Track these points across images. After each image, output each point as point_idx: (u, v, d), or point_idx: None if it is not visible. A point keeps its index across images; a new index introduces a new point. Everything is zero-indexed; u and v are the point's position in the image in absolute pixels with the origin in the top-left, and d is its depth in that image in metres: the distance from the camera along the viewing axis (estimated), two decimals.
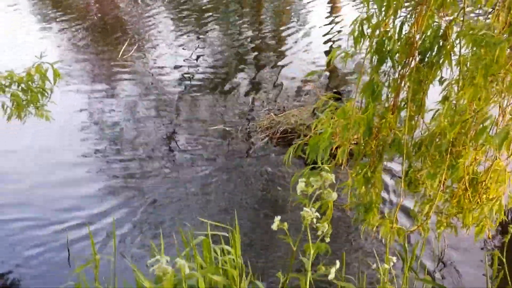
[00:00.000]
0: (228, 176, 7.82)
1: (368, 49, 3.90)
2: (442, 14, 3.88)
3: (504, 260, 4.14)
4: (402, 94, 4.01)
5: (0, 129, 7.84)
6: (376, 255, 5.38)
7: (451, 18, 3.88)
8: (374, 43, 3.89)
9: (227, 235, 4.97)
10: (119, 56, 11.99)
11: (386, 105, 4.02)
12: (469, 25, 3.79)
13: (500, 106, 3.84)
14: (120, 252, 6.30)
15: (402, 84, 3.96)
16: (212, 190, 7.53)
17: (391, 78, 3.98)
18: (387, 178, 7.20)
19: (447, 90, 3.91)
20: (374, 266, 3.98)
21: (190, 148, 8.52)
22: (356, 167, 4.07)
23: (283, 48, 12.73)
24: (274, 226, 3.30)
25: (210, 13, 15.06)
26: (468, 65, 3.81)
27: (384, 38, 3.84)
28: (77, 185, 7.67)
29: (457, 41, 3.86)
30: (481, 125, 3.73)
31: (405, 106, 3.97)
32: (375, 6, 3.89)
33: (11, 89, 5.35)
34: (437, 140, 3.92)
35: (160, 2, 16.47)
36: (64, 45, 13.05)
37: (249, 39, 13.27)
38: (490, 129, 3.77)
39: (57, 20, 14.79)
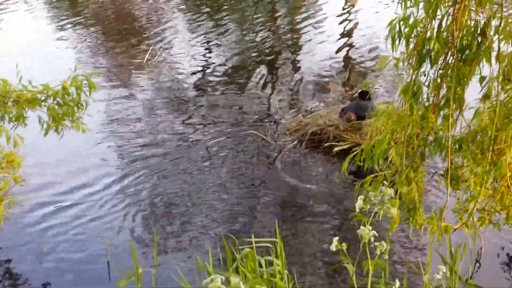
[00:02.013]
0: (260, 182, 7.83)
1: (408, 50, 3.90)
2: (480, 10, 3.86)
3: None
4: (442, 93, 4.01)
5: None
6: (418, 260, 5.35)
7: (489, 15, 3.86)
8: (413, 44, 3.89)
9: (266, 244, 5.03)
10: (144, 61, 12.02)
11: (426, 104, 4.03)
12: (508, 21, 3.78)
13: None
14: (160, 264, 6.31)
15: (442, 83, 3.96)
16: (245, 196, 7.54)
17: (431, 78, 3.98)
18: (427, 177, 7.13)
19: (487, 87, 3.90)
20: (426, 277, 3.96)
21: (221, 153, 8.52)
22: (398, 167, 4.07)
23: (299, 46, 12.73)
24: (333, 247, 3.36)
25: (226, 13, 15.04)
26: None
27: (424, 38, 3.84)
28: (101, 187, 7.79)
29: (496, 37, 3.84)
30: None
31: (445, 105, 3.96)
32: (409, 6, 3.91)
33: (47, 103, 5.36)
34: (478, 137, 3.92)
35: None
36: (83, 51, 13.07)
37: (265, 38, 13.22)
38: None
39: (75, 24, 14.81)
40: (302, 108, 9.55)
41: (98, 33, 14.18)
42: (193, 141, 8.89)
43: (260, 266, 5.00)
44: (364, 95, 8.84)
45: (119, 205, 7.47)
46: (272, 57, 12.17)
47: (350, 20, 14.03)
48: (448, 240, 4.73)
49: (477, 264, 6.15)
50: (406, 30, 3.94)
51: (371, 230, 3.55)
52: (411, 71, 3.95)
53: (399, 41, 3.96)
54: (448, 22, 3.88)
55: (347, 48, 12.31)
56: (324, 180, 7.83)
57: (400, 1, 3.93)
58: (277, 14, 15.11)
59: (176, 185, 7.80)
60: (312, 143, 8.48)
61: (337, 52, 12.01)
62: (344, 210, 7.11)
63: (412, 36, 3.95)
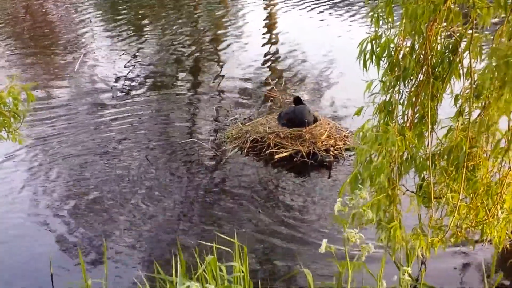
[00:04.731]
0: (202, 190, 7.70)
1: (380, 69, 3.92)
2: (451, 28, 3.93)
3: None
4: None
5: None
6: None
7: (460, 33, 3.93)
8: (387, 63, 3.91)
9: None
10: (65, 68, 11.58)
11: (400, 122, 4.05)
12: (477, 39, 3.87)
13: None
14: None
15: (417, 101, 3.99)
16: (188, 205, 7.40)
17: (405, 96, 4.01)
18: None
19: (460, 104, 3.97)
20: (395, 278, 4.01)
21: (160, 164, 8.30)
22: (376, 185, 4.06)
23: (222, 53, 12.69)
24: (322, 249, 3.32)
25: (148, 20, 14.77)
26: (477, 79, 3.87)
27: (398, 57, 3.86)
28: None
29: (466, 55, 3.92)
30: (495, 139, 3.81)
31: (419, 122, 4.01)
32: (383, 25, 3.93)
33: None
34: (452, 154, 3.98)
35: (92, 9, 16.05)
36: None
37: (189, 46, 13.08)
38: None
39: None
40: (240, 116, 9.45)
41: (12, 40, 13.54)
42: (122, 150, 8.64)
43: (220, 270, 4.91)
44: (299, 100, 8.91)
45: (60, 214, 7.19)
46: (198, 64, 12.08)
47: (273, 29, 14.16)
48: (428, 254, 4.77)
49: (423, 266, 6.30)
50: (378, 49, 3.96)
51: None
52: (385, 89, 3.97)
53: (371, 60, 3.97)
54: (421, 41, 3.93)
55: (272, 55, 12.41)
56: (267, 187, 7.79)
57: (371, 21, 3.95)
58: (200, 22, 14.99)
59: (116, 194, 7.57)
60: (253, 150, 8.43)
61: (264, 62, 12.07)
62: (290, 215, 7.12)
63: (384, 55, 3.97)
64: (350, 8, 15.17)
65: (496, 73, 3.59)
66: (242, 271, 4.85)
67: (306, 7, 15.56)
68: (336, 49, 12.03)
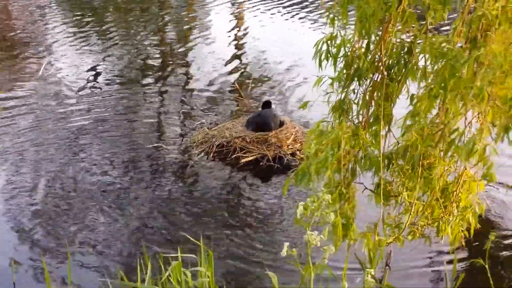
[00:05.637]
0: (168, 195, 7.65)
1: (336, 69, 3.96)
2: (406, 29, 3.98)
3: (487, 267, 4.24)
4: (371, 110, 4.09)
5: None
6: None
7: (415, 34, 3.99)
8: (342, 62, 3.95)
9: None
10: (29, 75, 11.43)
11: (356, 121, 4.09)
12: (431, 40, 3.92)
13: (465, 119, 3.99)
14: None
15: (371, 100, 4.03)
16: (153, 210, 7.34)
17: (360, 96, 4.05)
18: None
19: (415, 104, 4.01)
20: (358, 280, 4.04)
21: (124, 169, 8.24)
22: (329, 184, 4.09)
23: (189, 57, 12.65)
24: (284, 253, 3.31)
25: (114, 28, 14.65)
26: (431, 80, 3.93)
27: (353, 57, 3.90)
28: None
29: (421, 56, 3.98)
30: (450, 138, 3.86)
31: (374, 122, 4.04)
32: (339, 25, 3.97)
33: None
34: (408, 153, 4.03)
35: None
36: None
37: (154, 51, 12.99)
38: (458, 141, 3.93)
39: None
40: (206, 120, 9.43)
41: None
42: (86, 155, 8.53)
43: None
44: (268, 104, 8.93)
45: (21, 219, 7.09)
46: (164, 69, 11.98)
47: (240, 32, 14.17)
48: (380, 253, 4.80)
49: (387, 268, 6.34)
50: (334, 50, 4.00)
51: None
52: (341, 89, 4.01)
53: (327, 60, 4.02)
54: (376, 41, 3.97)
55: (239, 59, 12.40)
56: (233, 192, 7.78)
57: (327, 21, 3.99)
58: (167, 26, 14.92)
59: (80, 199, 7.47)
60: (219, 155, 8.41)
61: (231, 66, 12.03)
62: (256, 219, 7.11)
63: (340, 55, 4.01)
64: (318, 11, 15.17)
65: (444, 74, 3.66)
66: (208, 276, 4.84)
67: (272, 10, 15.53)
68: (303, 52, 11.92)
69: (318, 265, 3.42)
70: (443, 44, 3.83)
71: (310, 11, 15.37)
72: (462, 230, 4.16)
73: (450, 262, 6.00)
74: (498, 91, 3.68)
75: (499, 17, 3.62)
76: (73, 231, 6.86)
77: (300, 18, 14.99)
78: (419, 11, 4.06)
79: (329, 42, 3.99)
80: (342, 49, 3.98)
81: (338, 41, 3.99)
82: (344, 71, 3.93)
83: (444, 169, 4.08)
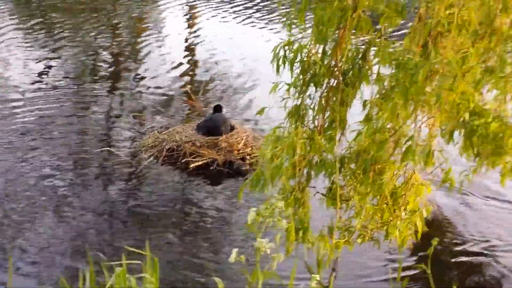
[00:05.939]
0: (115, 200, 7.54)
1: (293, 74, 4.00)
2: (361, 35, 4.06)
3: (429, 271, 4.33)
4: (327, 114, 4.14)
5: None
6: None
7: (369, 39, 4.07)
8: (298, 68, 4.00)
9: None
10: None
11: (312, 126, 4.14)
12: (386, 47, 4.01)
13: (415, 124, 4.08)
14: None
15: (327, 105, 4.09)
16: (100, 216, 7.22)
17: (316, 101, 4.09)
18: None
19: (368, 110, 4.09)
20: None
21: (71, 174, 8.06)
22: (284, 189, 4.12)
23: (141, 59, 12.53)
24: (232, 259, 3.28)
25: (63, 25, 14.39)
26: (386, 85, 4.02)
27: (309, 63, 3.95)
28: None
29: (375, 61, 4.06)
30: (406, 144, 3.95)
31: (329, 126, 4.10)
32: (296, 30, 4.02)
33: None
34: (359, 157, 4.09)
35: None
36: None
37: (104, 50, 12.83)
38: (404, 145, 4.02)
39: None
40: (156, 124, 9.34)
41: None
42: (32, 159, 8.30)
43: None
44: (219, 108, 8.92)
45: None
46: (115, 71, 11.86)
47: (191, 36, 14.10)
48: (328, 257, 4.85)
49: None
50: (291, 55, 4.04)
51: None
52: (297, 94, 4.05)
53: (284, 65, 4.05)
54: (332, 47, 4.04)
55: (191, 63, 12.37)
56: (182, 197, 7.74)
57: (284, 26, 4.04)
58: (119, 26, 14.73)
59: (23, 206, 7.24)
60: (169, 159, 8.33)
61: (182, 69, 11.96)
62: (205, 225, 7.09)
63: (297, 60, 4.05)
64: (271, 15, 15.17)
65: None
66: (153, 283, 4.77)
67: (225, 13, 15.51)
68: (255, 56, 11.95)
69: (266, 271, 3.39)
70: (401, 54, 3.91)
71: (263, 15, 15.34)
72: (410, 234, 4.25)
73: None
74: (447, 97, 3.78)
75: (449, 24, 3.72)
76: (14, 237, 6.66)
77: (253, 22, 14.97)
78: (373, 18, 4.14)
79: (286, 47, 4.02)
80: (299, 54, 4.02)
81: (295, 47, 4.02)
82: (301, 76, 3.96)
83: (394, 173, 4.16)
